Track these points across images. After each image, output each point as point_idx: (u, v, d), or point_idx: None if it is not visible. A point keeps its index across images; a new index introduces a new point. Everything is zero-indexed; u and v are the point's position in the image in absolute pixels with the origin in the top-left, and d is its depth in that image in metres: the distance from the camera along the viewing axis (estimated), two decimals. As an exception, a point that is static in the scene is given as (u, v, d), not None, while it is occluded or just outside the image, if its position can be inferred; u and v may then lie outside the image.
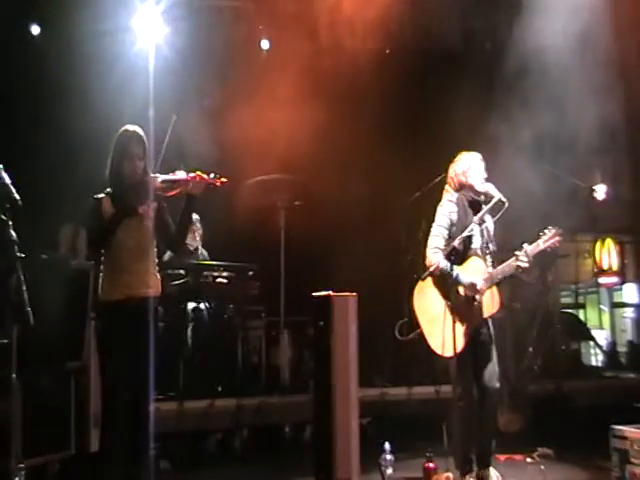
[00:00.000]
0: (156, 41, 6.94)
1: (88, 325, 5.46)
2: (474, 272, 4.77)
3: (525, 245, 4.77)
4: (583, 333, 9.09)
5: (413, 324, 4.96)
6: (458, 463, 4.74)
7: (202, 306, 6.79)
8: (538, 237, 4.82)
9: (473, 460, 4.77)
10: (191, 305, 6.77)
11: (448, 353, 4.52)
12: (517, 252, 4.75)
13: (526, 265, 4.72)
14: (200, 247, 7.16)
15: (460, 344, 4.66)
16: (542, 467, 5.14)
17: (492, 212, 4.90)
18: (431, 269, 4.72)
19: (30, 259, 3.64)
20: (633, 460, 4.30)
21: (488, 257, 4.87)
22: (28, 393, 4.47)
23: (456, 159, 5.05)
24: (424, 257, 4.91)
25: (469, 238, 4.82)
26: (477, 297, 4.74)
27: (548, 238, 4.81)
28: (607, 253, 10.41)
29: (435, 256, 4.78)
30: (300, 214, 7.50)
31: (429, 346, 4.75)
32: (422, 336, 4.82)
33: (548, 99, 7.27)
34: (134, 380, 4.19)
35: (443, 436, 4.54)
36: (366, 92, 7.67)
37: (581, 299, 9.52)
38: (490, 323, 4.87)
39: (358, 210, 7.72)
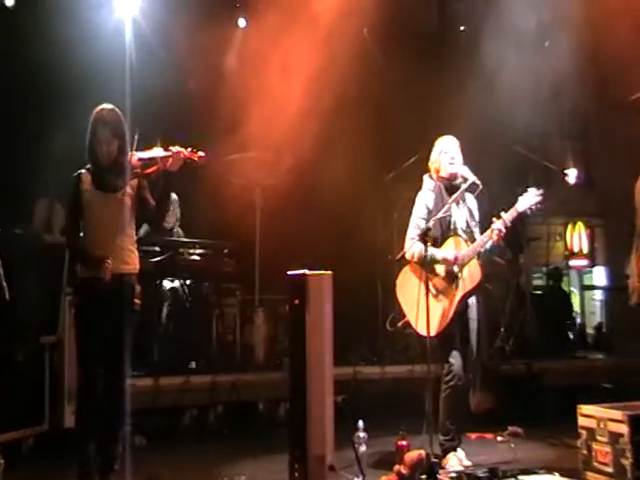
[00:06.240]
0: (133, 15, 6.86)
1: (63, 300, 5.44)
2: (451, 248, 4.85)
3: (502, 213, 4.83)
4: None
5: (401, 314, 4.98)
6: (442, 441, 4.82)
7: (178, 283, 6.78)
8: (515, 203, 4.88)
9: (458, 438, 4.86)
10: (167, 282, 6.76)
11: (432, 333, 4.56)
12: (494, 218, 4.81)
13: (500, 227, 4.74)
14: (177, 226, 7.16)
15: (446, 322, 4.74)
16: (512, 445, 5.24)
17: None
18: (407, 256, 4.84)
19: (4, 233, 3.61)
20: (599, 438, 4.39)
21: (471, 235, 4.93)
22: (2, 367, 4.45)
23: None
24: (401, 241, 4.97)
25: (449, 220, 4.89)
26: (456, 269, 4.79)
27: (525, 200, 4.86)
28: (578, 236, 10.58)
29: (412, 246, 4.85)
30: (276, 193, 7.49)
31: (416, 331, 4.77)
32: (409, 324, 4.85)
33: (519, 84, 7.33)
34: (110, 356, 4.19)
35: (421, 415, 4.55)
36: (345, 71, 7.64)
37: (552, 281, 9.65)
38: (474, 298, 4.94)
39: (334, 190, 7.73)
